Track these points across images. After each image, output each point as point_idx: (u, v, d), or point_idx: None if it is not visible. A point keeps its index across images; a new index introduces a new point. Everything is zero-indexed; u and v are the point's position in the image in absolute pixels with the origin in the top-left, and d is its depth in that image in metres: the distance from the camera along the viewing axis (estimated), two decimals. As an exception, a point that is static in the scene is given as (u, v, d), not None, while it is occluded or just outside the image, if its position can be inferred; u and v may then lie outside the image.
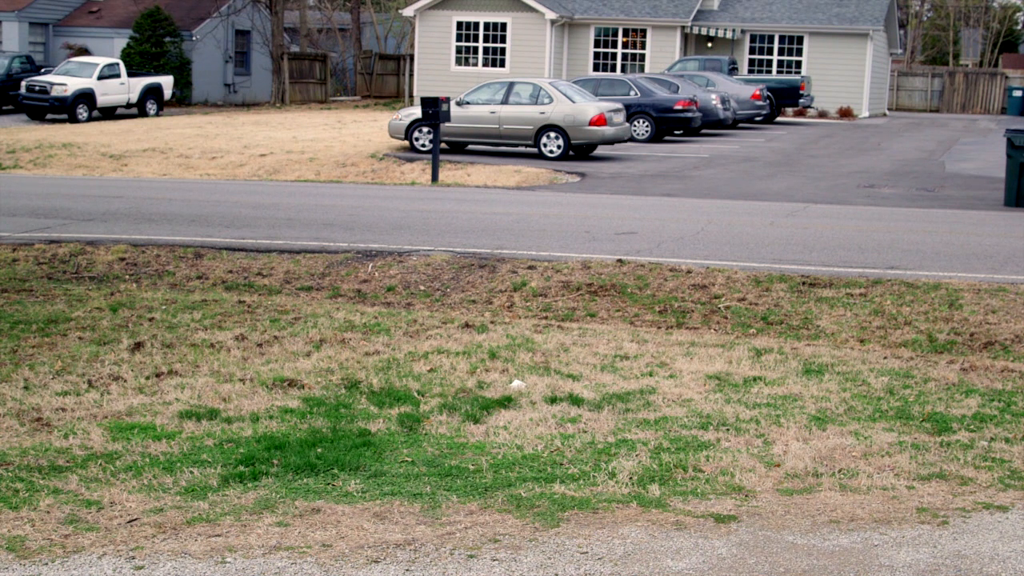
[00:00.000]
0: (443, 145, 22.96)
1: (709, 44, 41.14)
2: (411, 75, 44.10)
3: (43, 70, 38.37)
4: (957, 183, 20.66)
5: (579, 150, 24.05)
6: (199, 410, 6.66)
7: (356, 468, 5.77)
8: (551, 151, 23.57)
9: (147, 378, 7.37)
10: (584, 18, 40.21)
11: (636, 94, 28.46)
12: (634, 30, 40.49)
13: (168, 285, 10.64)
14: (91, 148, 26.25)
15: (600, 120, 23.31)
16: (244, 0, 44.64)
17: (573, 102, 23.69)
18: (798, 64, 40.41)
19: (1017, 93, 48.02)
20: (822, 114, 39.74)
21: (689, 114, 28.65)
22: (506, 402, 6.93)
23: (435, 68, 39.99)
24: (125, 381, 7.28)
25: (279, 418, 6.57)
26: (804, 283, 10.42)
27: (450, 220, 14.03)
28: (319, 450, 5.98)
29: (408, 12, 41.34)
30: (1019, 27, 71.68)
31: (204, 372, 7.52)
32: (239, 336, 8.51)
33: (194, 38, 43.82)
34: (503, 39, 39.64)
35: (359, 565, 4.67)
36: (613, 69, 39.86)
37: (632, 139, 26.89)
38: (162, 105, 38.08)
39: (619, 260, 11.19)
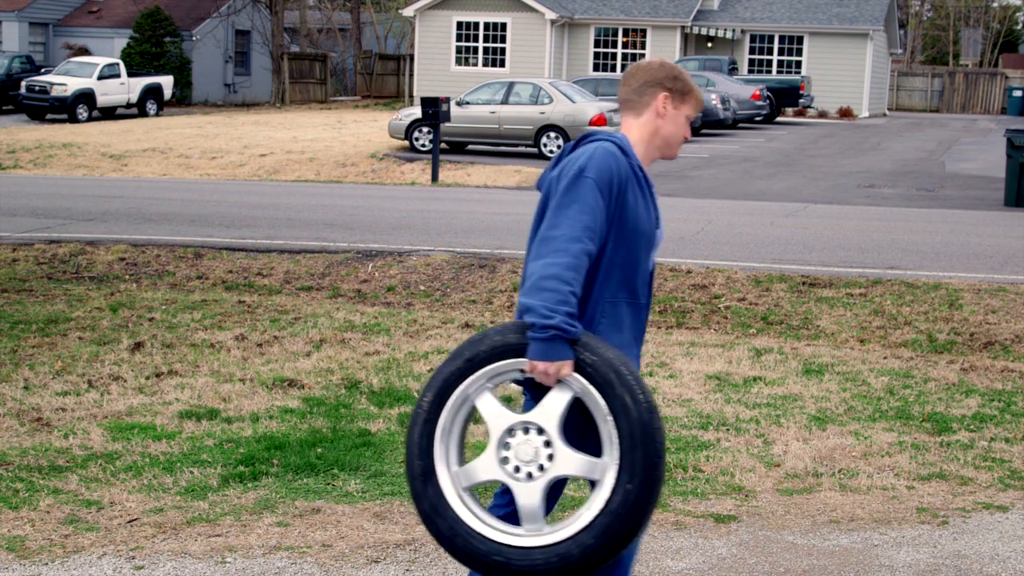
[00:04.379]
0: (443, 145, 22.97)
1: (709, 44, 41.14)
2: (411, 75, 44.11)
3: (43, 70, 38.38)
4: (957, 183, 20.67)
5: (579, 150, 24.04)
6: (199, 410, 6.66)
7: (356, 468, 5.77)
8: (551, 151, 23.57)
9: (147, 378, 7.37)
10: (584, 18, 40.21)
11: (636, 94, 28.43)
12: (634, 30, 40.49)
13: (168, 285, 10.64)
14: (91, 148, 26.26)
15: (600, 120, 23.32)
16: (244, 0, 44.65)
17: (573, 102, 23.70)
18: (798, 64, 40.41)
19: (1017, 93, 48.01)
20: (822, 114, 39.74)
21: (689, 114, 28.63)
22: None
23: (435, 68, 39.99)
24: (125, 381, 7.28)
25: (279, 418, 6.57)
26: (804, 283, 10.42)
27: (450, 220, 14.03)
28: (319, 450, 5.98)
29: (408, 12, 41.35)
30: (1019, 27, 71.67)
31: (204, 372, 7.52)
32: (239, 336, 8.51)
33: (194, 38, 43.83)
34: (503, 39, 39.64)
35: (359, 565, 4.67)
36: (613, 69, 39.86)
37: (632, 139, 26.87)
38: (162, 105, 38.08)
39: (619, 260, 11.18)
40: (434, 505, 3.40)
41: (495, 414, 3.43)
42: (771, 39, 40.66)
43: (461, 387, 3.41)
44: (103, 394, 7.00)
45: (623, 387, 3.35)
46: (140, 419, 6.52)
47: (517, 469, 3.39)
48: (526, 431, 3.39)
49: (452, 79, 38.50)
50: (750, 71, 40.36)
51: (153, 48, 42.00)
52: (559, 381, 3.33)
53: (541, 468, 3.37)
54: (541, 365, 3.29)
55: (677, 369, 7.79)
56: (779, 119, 37.42)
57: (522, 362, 3.36)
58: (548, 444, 3.37)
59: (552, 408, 3.36)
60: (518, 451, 3.39)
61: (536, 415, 3.38)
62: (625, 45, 40.53)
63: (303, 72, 46.25)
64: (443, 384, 3.42)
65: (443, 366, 3.45)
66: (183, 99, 42.55)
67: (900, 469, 5.88)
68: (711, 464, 5.91)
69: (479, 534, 3.38)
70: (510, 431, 3.41)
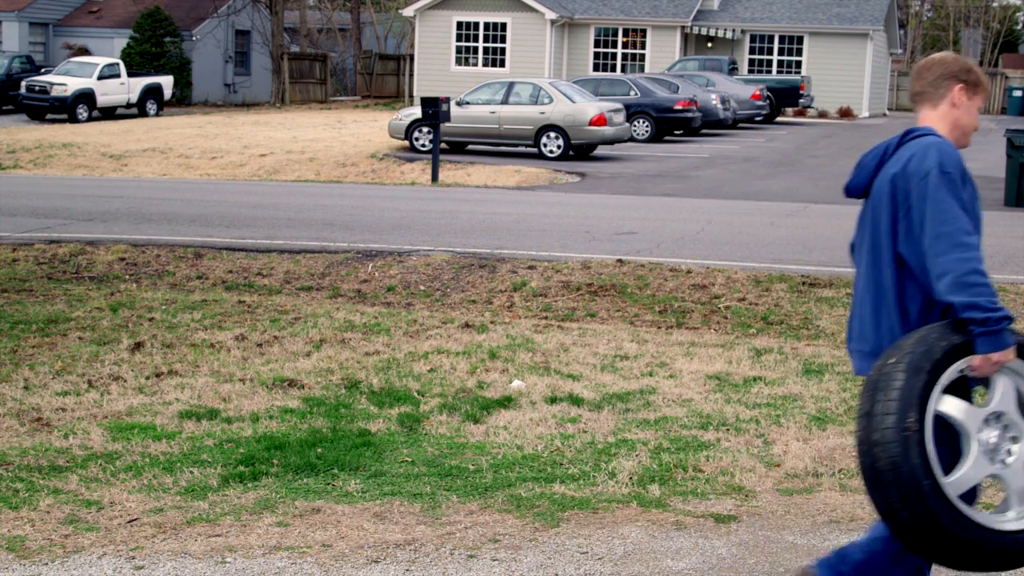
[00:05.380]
0: (443, 145, 22.96)
1: (709, 44, 41.14)
2: (411, 75, 44.10)
3: (43, 70, 38.37)
4: (957, 183, 20.62)
5: (579, 150, 24.06)
6: (199, 410, 6.66)
7: (356, 468, 5.77)
8: (551, 151, 23.57)
9: (147, 378, 7.37)
10: (584, 18, 40.21)
11: (636, 94, 28.46)
12: (634, 30, 40.50)
13: (168, 285, 10.64)
14: (91, 148, 26.26)
15: (600, 120, 23.32)
16: (244, 0, 44.64)
17: (573, 102, 23.69)
18: (798, 64, 40.41)
19: (1017, 93, 47.98)
20: (822, 114, 39.74)
21: (689, 114, 28.65)
22: (506, 402, 6.93)
23: (435, 68, 39.99)
24: (125, 381, 7.28)
25: (279, 418, 6.57)
26: (804, 283, 10.42)
27: (450, 220, 14.03)
28: (319, 450, 5.98)
29: (408, 12, 41.35)
30: (1019, 27, 71.65)
31: (204, 372, 7.53)
32: (239, 336, 8.51)
33: (194, 38, 43.82)
34: (503, 39, 39.64)
35: (359, 565, 4.67)
36: (613, 69, 39.87)
37: (632, 139, 26.89)
38: (162, 105, 38.07)
39: (619, 260, 11.19)
40: (952, 517, 3.48)
41: (966, 414, 3.55)
42: (771, 39, 40.67)
43: (931, 399, 3.51)
44: (103, 394, 7.00)
45: None
46: (140, 419, 6.52)
47: (992, 459, 3.56)
48: (986, 421, 3.56)
49: (452, 79, 38.50)
50: (750, 71, 40.36)
51: (153, 48, 41.99)
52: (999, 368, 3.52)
53: (1009, 452, 3.56)
54: (996, 356, 3.48)
55: (677, 369, 7.79)
56: (779, 119, 37.42)
57: (964, 361, 3.50)
58: (1007, 428, 3.56)
59: (1008, 392, 3.58)
60: (991, 442, 3.56)
61: (1000, 403, 3.57)
62: (625, 45, 40.54)
63: (303, 72, 46.24)
64: (920, 401, 3.49)
65: (907, 382, 3.49)
66: (183, 99, 42.54)
67: (900, 469, 5.87)
68: (711, 464, 5.91)
69: (998, 530, 3.55)
70: (978, 428, 3.55)
